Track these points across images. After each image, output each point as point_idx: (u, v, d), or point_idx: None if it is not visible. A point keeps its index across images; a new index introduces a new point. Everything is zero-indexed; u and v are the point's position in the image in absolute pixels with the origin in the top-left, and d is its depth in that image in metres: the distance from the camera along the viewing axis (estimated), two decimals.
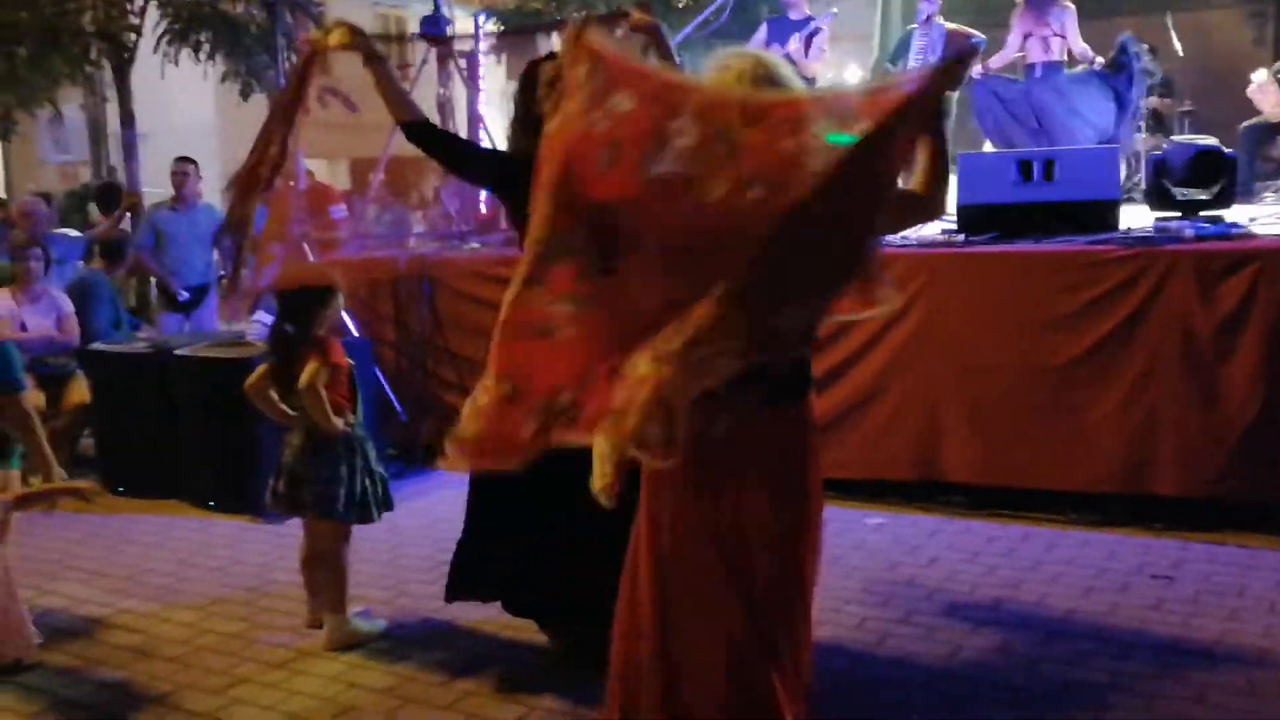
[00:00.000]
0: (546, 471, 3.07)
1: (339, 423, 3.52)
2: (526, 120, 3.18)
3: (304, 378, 3.46)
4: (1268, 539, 4.20)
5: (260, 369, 3.66)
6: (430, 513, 4.81)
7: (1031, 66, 7.36)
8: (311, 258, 6.08)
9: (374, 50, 3.29)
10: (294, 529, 4.71)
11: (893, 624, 3.59)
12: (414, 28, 7.36)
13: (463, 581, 3.44)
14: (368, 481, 3.58)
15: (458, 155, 3.51)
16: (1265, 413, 4.24)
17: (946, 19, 7.91)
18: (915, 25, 8.25)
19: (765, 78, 2.32)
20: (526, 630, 3.51)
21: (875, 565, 4.13)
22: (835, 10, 8.52)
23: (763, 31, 8.28)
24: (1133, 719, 2.96)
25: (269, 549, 4.66)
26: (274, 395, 3.62)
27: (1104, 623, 3.55)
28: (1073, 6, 7.36)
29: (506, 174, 3.28)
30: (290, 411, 3.61)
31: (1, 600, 3.41)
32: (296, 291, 3.55)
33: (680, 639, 2.41)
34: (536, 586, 3.32)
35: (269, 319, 5.97)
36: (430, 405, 6.00)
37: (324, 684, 3.33)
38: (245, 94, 11.95)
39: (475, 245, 6.74)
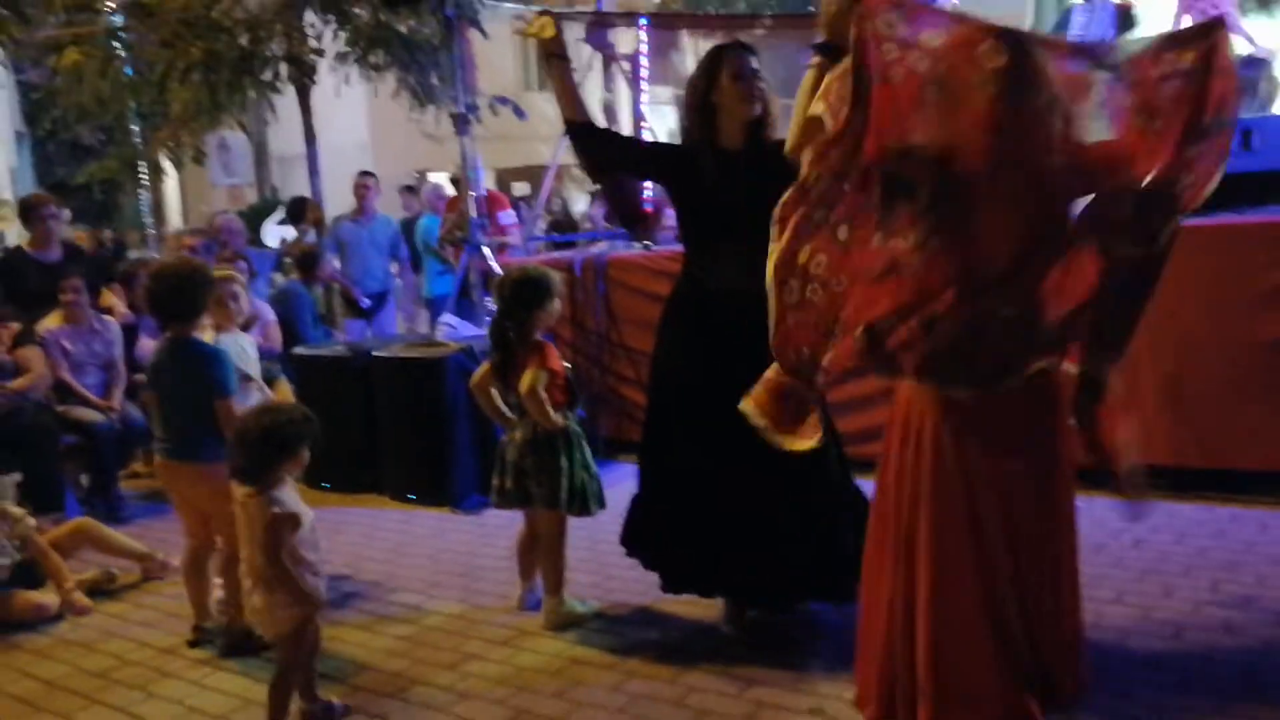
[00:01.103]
0: (721, 449, 3.18)
1: (558, 419, 3.66)
2: (704, 107, 3.29)
3: (524, 384, 3.60)
4: None
5: (483, 368, 3.82)
6: (620, 505, 4.93)
7: None
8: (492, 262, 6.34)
9: (564, 47, 3.46)
10: (491, 519, 4.99)
11: (1104, 605, 3.53)
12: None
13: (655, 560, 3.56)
14: (585, 476, 3.71)
15: (625, 150, 3.62)
16: None
17: None
18: (1076, 1, 8.04)
19: None
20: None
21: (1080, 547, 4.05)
22: None
23: None
24: None
25: (472, 538, 4.89)
26: (495, 393, 3.79)
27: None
28: None
29: (678, 163, 3.37)
30: (508, 412, 3.78)
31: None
32: (516, 292, 3.69)
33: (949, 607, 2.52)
34: (728, 565, 3.35)
35: (455, 321, 6.25)
36: (608, 400, 6.16)
37: (548, 659, 3.49)
38: (419, 105, 12.44)
39: (643, 245, 6.88)
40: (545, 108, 10.95)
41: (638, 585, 3.94)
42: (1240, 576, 3.71)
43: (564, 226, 11.41)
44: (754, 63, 3.27)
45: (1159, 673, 3.06)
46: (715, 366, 3.24)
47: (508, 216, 8.12)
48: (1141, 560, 3.92)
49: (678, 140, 3.56)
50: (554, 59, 3.42)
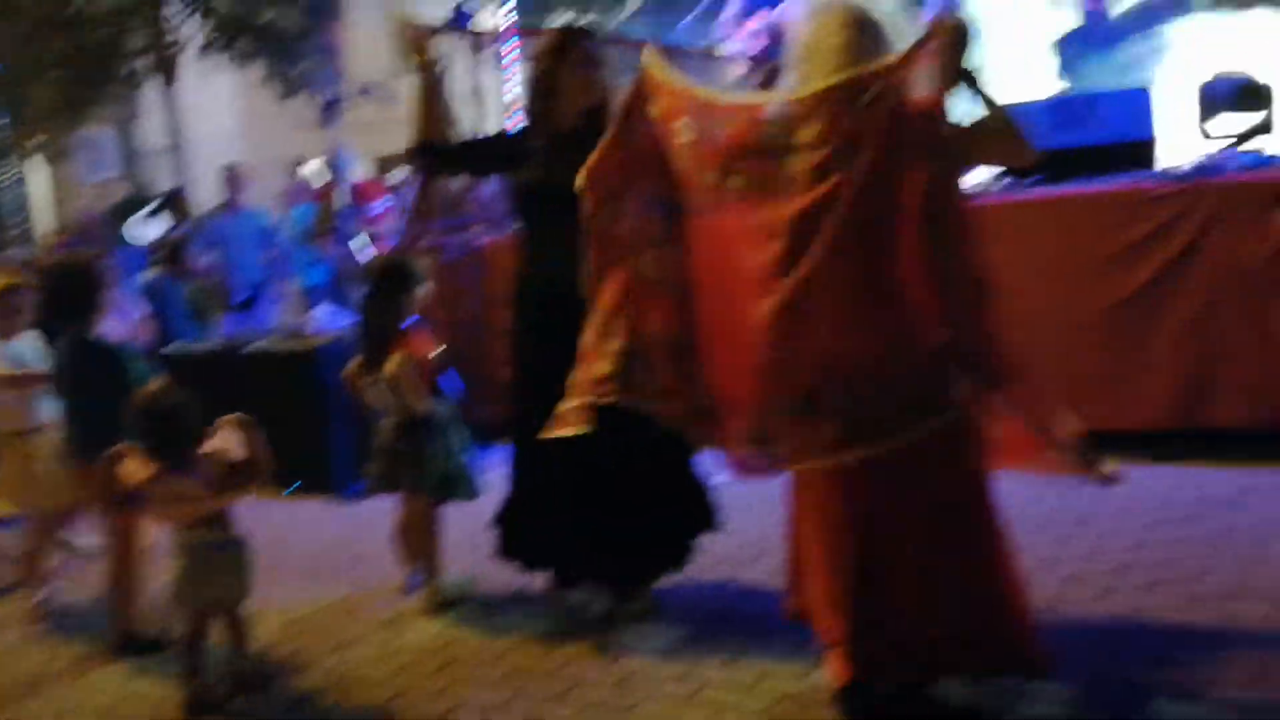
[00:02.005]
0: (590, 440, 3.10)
1: (426, 403, 3.67)
2: (545, 90, 3.28)
3: (390, 369, 3.61)
4: None
5: (354, 360, 3.82)
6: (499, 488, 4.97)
7: None
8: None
9: (433, 68, 3.39)
10: (372, 507, 4.95)
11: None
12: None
13: (514, 546, 3.59)
14: (455, 463, 3.73)
15: (468, 156, 3.59)
16: None
17: None
18: None
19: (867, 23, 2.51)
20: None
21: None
22: None
23: None
24: (1213, 628, 3.05)
25: (354, 525, 4.88)
26: (364, 383, 3.78)
27: (1173, 554, 3.59)
28: None
29: (511, 151, 3.37)
30: (379, 400, 3.77)
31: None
32: (381, 278, 3.69)
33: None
34: (588, 551, 3.40)
35: (330, 312, 6.18)
36: (486, 384, 6.14)
37: (428, 640, 3.51)
38: (286, 95, 12.19)
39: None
40: None
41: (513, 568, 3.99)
42: (1087, 532, 3.86)
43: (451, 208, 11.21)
44: (598, 50, 3.29)
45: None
46: (546, 351, 3.21)
47: (380, 205, 8.04)
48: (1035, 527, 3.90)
49: None
50: (423, 76, 3.36)
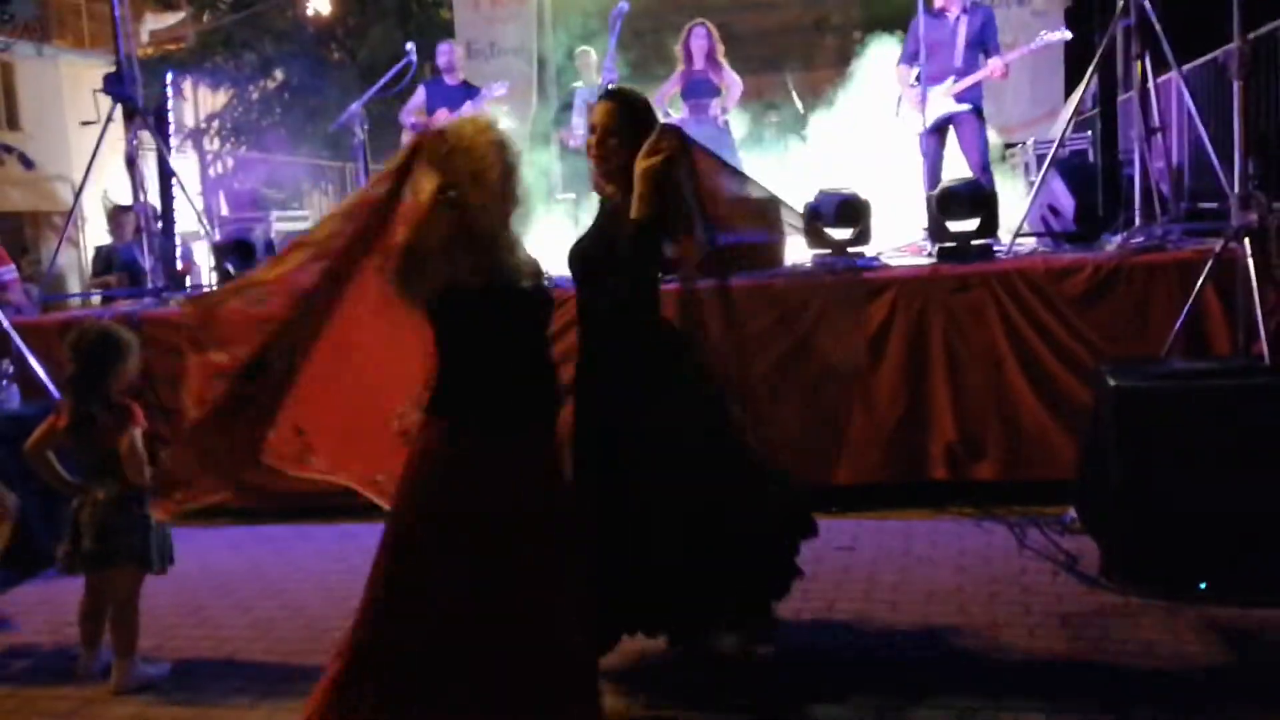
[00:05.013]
0: None
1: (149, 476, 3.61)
2: None
3: (125, 446, 3.57)
4: (919, 511, 5.16)
5: (39, 431, 3.67)
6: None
7: None
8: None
9: None
10: (16, 597, 4.65)
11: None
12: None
13: None
14: (165, 532, 3.70)
15: None
16: (908, 409, 5.24)
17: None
18: (578, 85, 9.12)
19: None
20: (298, 654, 3.81)
21: None
22: (505, 85, 9.05)
23: (420, 95, 8.71)
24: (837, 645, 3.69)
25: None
26: (52, 458, 3.64)
27: (807, 586, 4.07)
28: None
29: None
30: (67, 477, 3.66)
31: None
32: (93, 350, 3.60)
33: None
34: None
35: None
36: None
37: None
38: None
39: (179, 298, 6.70)
40: None
41: (206, 641, 3.99)
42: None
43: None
44: None
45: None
46: None
47: (8, 272, 7.44)
48: None
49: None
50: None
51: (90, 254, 14.19)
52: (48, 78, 19.37)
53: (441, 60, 8.68)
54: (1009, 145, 9.63)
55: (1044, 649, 3.57)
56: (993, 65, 6.86)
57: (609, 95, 3.48)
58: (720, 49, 8.19)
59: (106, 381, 3.62)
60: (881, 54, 8.59)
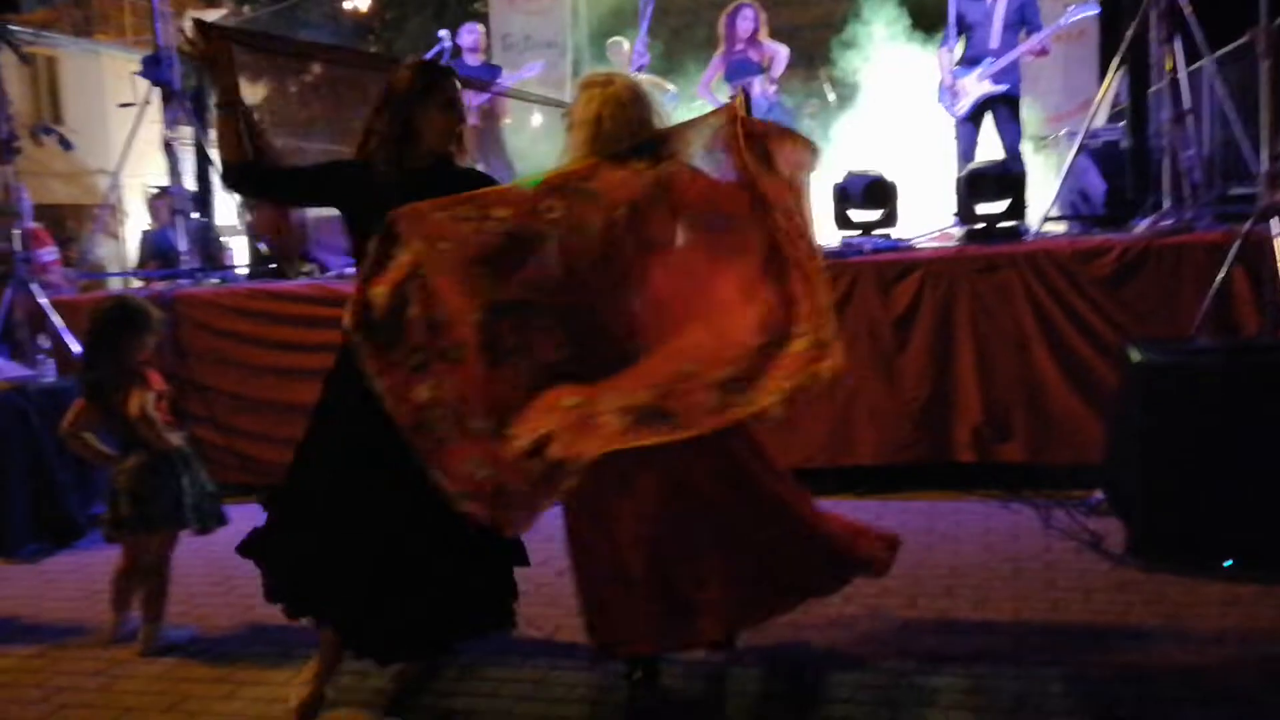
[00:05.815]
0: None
1: (171, 439, 3.68)
2: (403, 131, 3.10)
3: (134, 408, 3.60)
4: (944, 492, 5.15)
5: (72, 411, 3.73)
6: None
7: None
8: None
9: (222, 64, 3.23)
10: (51, 566, 4.78)
11: None
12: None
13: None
14: (206, 493, 3.76)
15: (289, 183, 3.37)
16: (934, 391, 5.22)
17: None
18: None
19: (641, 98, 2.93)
20: None
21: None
22: (540, 65, 9.18)
23: None
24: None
25: (34, 586, 4.62)
26: (90, 435, 3.72)
27: None
28: None
29: (352, 185, 3.14)
30: (107, 450, 3.73)
31: None
32: (108, 321, 3.66)
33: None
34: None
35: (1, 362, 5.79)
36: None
37: (152, 681, 3.47)
38: None
39: (215, 280, 6.81)
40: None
41: (232, 609, 4.06)
42: None
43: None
44: (458, 92, 3.19)
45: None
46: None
47: (49, 253, 7.59)
48: None
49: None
50: (219, 91, 3.21)
51: (129, 245, 14.44)
52: (91, 72, 19.69)
53: (469, 39, 8.75)
54: (1042, 137, 9.55)
55: (1066, 620, 3.55)
56: (1031, 43, 6.80)
57: None
58: (765, 30, 8.18)
59: (119, 350, 3.67)
60: (913, 46, 8.58)
